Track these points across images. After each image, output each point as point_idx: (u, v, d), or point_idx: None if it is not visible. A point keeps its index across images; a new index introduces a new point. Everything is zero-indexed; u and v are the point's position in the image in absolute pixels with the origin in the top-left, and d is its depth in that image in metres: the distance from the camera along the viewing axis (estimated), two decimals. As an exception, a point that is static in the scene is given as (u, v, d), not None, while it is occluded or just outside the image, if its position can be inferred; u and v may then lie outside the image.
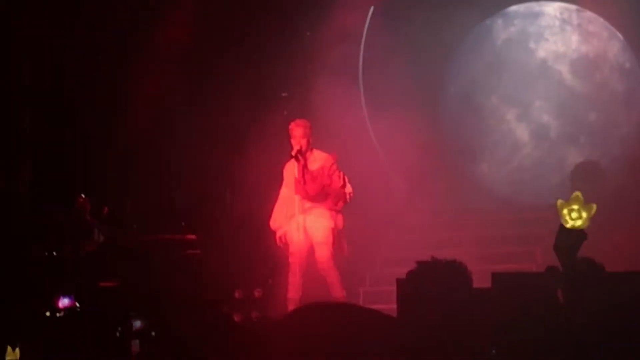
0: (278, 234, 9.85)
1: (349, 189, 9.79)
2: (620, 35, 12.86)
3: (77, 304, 9.10)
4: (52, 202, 10.90)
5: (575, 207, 5.25)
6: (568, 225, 5.21)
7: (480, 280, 4.51)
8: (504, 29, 13.23)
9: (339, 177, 9.76)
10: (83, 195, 10.68)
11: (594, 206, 5.29)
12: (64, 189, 11.04)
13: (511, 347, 4.58)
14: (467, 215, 12.43)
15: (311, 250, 9.73)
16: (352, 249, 10.07)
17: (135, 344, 8.14)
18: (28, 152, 11.58)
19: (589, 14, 13.01)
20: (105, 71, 11.74)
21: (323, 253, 9.67)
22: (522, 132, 12.98)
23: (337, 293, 9.54)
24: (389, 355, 3.38)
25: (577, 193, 5.28)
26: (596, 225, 9.83)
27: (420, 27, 12.62)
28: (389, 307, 7.62)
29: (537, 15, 13.22)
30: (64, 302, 9.11)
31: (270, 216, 9.93)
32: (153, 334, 8.22)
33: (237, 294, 10.68)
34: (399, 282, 6.69)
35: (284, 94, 12.21)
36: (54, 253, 9.76)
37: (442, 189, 12.43)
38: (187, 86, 11.91)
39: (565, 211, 5.27)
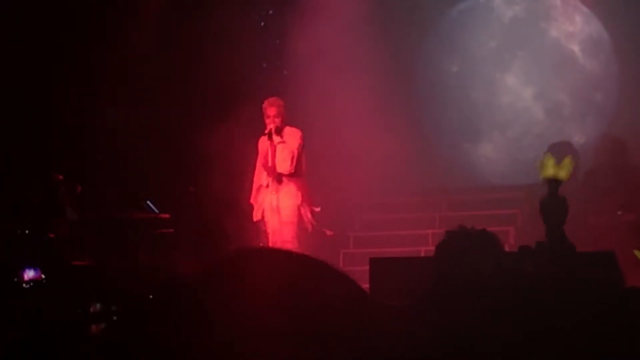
0: (255, 212, 9.83)
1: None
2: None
3: (43, 277, 9.06)
4: (26, 179, 10.79)
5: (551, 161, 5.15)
6: (550, 173, 5.11)
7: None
8: (508, 7, 13.21)
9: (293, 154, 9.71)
10: (57, 174, 10.59)
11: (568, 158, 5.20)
12: (39, 167, 10.93)
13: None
14: (441, 196, 12.43)
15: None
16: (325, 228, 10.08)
17: (97, 328, 8.05)
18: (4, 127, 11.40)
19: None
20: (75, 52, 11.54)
21: (288, 231, 9.68)
22: (537, 112, 13.00)
23: None
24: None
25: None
26: (569, 207, 9.89)
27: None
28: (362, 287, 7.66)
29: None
30: (29, 273, 9.06)
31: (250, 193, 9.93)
32: (115, 318, 8.14)
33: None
34: (372, 261, 6.72)
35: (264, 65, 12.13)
36: (26, 231, 9.69)
37: (429, 168, 12.38)
38: (159, 59, 11.73)
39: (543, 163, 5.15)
